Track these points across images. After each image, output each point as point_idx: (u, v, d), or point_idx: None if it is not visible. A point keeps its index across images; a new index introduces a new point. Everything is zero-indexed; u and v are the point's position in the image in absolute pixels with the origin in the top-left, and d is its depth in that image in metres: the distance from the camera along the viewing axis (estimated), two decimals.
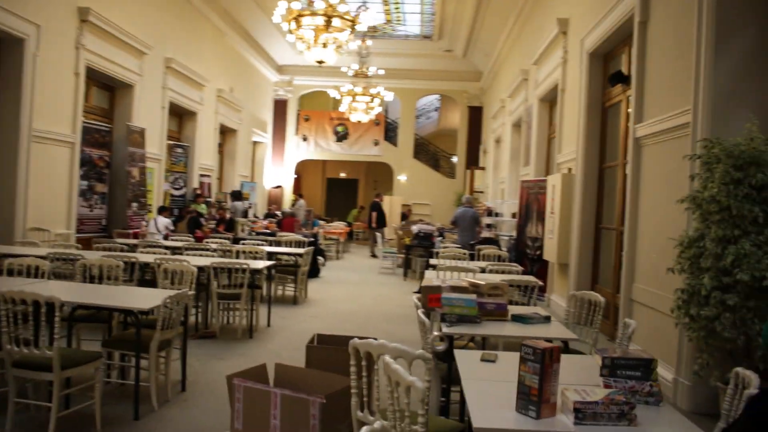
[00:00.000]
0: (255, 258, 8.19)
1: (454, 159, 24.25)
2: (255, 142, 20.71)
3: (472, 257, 9.86)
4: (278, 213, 18.64)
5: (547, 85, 11.01)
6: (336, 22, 10.72)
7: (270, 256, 8.69)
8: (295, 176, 23.83)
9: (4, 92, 8.59)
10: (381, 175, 25.93)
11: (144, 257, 6.92)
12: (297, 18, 10.68)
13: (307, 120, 23.06)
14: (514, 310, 4.61)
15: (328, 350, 4.38)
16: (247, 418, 3.55)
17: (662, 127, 5.90)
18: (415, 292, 11.31)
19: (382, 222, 18.25)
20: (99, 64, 10.44)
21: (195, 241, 9.76)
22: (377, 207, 18.32)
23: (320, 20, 10.61)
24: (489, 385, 2.91)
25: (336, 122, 22.77)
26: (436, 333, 3.95)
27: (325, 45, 10.82)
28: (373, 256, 18.11)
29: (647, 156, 6.37)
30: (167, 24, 13.11)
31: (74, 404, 4.30)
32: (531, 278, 6.52)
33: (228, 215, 12.83)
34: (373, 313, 9.37)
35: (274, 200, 21.46)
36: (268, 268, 7.59)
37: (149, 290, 5.37)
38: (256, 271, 7.04)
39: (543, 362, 2.45)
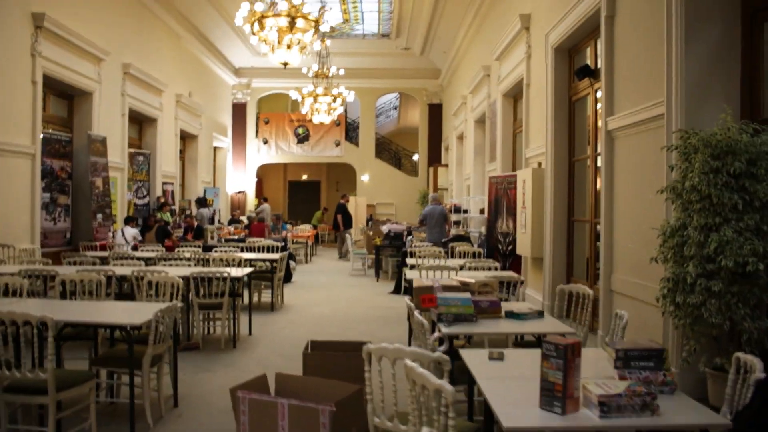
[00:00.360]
0: (230, 265, 8.08)
1: (416, 157, 24.32)
2: (216, 148, 20.46)
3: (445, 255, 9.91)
4: (242, 218, 18.45)
5: (511, 80, 11.11)
6: (300, 22, 10.66)
7: (245, 263, 8.58)
8: (256, 180, 23.62)
9: None
10: (343, 175, 25.88)
11: (120, 270, 6.76)
12: (260, 19, 10.58)
13: (267, 123, 22.86)
14: (505, 306, 4.65)
15: (325, 357, 4.35)
16: (254, 431, 3.51)
17: (635, 120, 6.00)
18: (390, 293, 11.41)
19: (348, 224, 18.08)
20: (56, 71, 10.18)
21: (166, 251, 9.60)
22: (343, 209, 18.11)
23: (284, 21, 10.52)
24: (503, 383, 2.93)
25: (296, 124, 22.63)
26: (436, 334, 3.95)
27: (289, 46, 10.74)
28: (341, 258, 18.04)
29: (620, 148, 6.48)
30: (123, 29, 12.86)
31: (66, 427, 4.18)
32: (513, 274, 6.58)
33: (195, 223, 12.65)
34: (351, 315, 9.35)
35: (237, 206, 21.24)
36: (248, 275, 7.51)
37: (136, 304, 5.25)
38: (236, 279, 6.95)
39: (566, 358, 2.48)
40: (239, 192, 21.86)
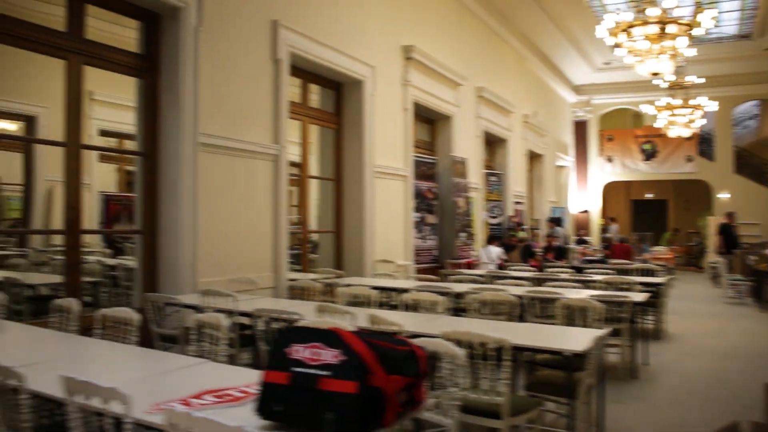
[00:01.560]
0: (613, 289, 7.50)
1: None
2: (558, 167, 20.17)
3: None
4: (586, 239, 17.81)
5: None
6: (671, 28, 9.85)
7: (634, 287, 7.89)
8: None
9: (351, 130, 9.14)
10: (693, 193, 23.60)
11: (514, 290, 6.63)
12: (626, 30, 10.01)
13: (610, 140, 21.92)
14: None
15: None
16: None
17: None
18: None
19: (732, 246, 15.36)
20: (422, 98, 10.76)
21: (538, 271, 9.44)
22: (727, 229, 15.60)
23: (653, 29, 9.82)
24: None
25: (642, 140, 21.30)
26: None
27: (660, 54, 9.97)
28: (715, 284, 15.97)
29: None
30: (475, 53, 13.23)
31: None
32: None
33: (557, 242, 12.42)
34: (754, 351, 8.17)
35: (582, 225, 20.64)
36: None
37: (560, 328, 4.97)
38: (637, 305, 6.39)
39: None
40: (583, 211, 21.26)
